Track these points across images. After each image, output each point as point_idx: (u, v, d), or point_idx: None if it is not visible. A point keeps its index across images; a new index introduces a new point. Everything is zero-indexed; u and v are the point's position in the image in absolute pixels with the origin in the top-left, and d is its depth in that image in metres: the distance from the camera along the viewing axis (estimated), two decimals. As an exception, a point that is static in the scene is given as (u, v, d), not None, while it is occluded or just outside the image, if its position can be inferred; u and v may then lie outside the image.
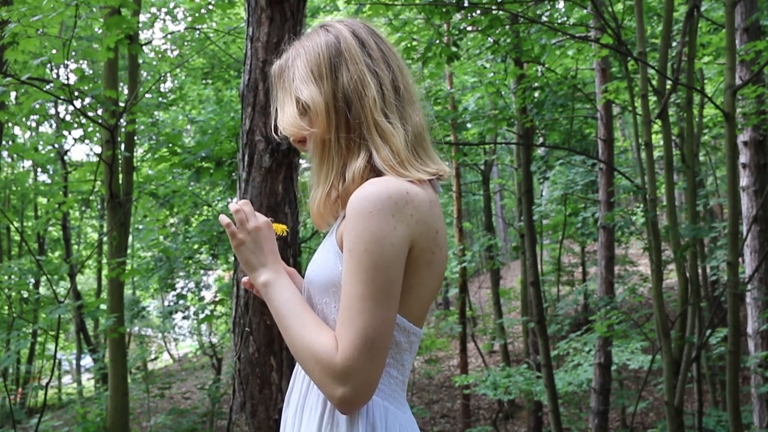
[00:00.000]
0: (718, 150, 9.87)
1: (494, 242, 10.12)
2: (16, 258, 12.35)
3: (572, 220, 9.15)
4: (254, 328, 2.58)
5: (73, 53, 8.24)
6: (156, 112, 9.65)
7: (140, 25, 7.36)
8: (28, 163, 12.79)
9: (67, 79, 6.06)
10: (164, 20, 9.99)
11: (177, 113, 9.73)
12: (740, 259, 4.96)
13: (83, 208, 13.62)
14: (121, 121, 5.21)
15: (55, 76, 7.19)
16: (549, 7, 7.12)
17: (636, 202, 13.34)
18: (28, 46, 3.93)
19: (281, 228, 1.34)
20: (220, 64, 9.74)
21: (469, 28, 5.61)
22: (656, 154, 7.86)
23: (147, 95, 8.50)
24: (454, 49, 4.94)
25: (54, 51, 5.36)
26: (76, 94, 4.31)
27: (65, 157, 11.26)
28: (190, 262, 7.97)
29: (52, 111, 11.01)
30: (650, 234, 3.98)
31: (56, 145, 10.18)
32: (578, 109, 8.02)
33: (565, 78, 6.88)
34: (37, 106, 5.25)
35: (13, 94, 7.56)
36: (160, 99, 9.72)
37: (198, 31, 8.43)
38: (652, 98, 5.68)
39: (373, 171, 1.18)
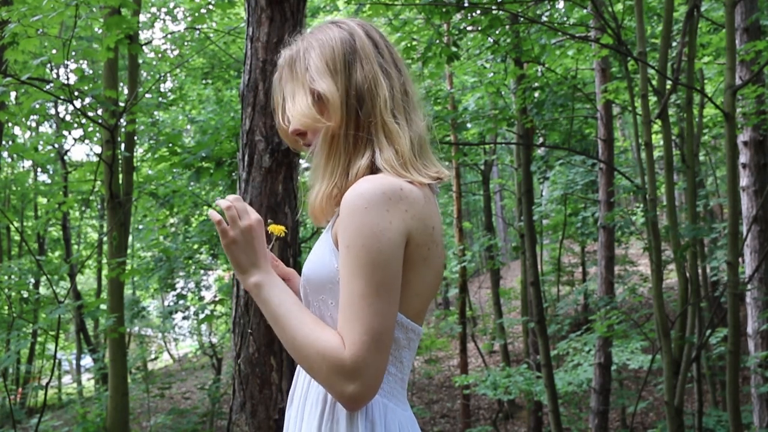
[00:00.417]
0: (718, 150, 9.86)
1: (494, 242, 10.12)
2: (16, 258, 12.35)
3: (572, 220, 9.16)
4: (254, 328, 2.58)
5: (73, 53, 8.24)
6: (156, 112, 9.65)
7: (140, 25, 7.36)
8: (28, 163, 12.79)
9: (67, 79, 6.06)
10: (164, 20, 10.00)
11: (177, 113, 9.71)
12: (740, 259, 4.95)
13: (83, 208, 13.61)
14: (121, 121, 5.21)
15: (55, 76, 7.18)
16: (549, 7, 7.13)
17: (636, 202, 13.34)
18: (28, 46, 3.92)
19: (281, 229, 1.34)
20: (220, 64, 9.74)
21: (469, 28, 5.61)
22: (656, 154, 7.85)
23: (147, 95, 8.49)
24: (454, 49, 4.94)
25: (54, 51, 5.35)
26: (76, 94, 4.30)
27: (65, 157, 11.27)
28: (190, 262, 7.98)
29: (52, 111, 11.00)
30: (650, 234, 3.97)
31: (56, 145, 10.20)
32: (578, 109, 8.01)
33: (565, 78, 6.88)
34: (37, 106, 5.24)
35: (13, 94, 7.55)
36: (160, 99, 9.71)
37: (198, 31, 8.42)
38: (652, 98, 5.67)
39: (373, 170, 1.17)
